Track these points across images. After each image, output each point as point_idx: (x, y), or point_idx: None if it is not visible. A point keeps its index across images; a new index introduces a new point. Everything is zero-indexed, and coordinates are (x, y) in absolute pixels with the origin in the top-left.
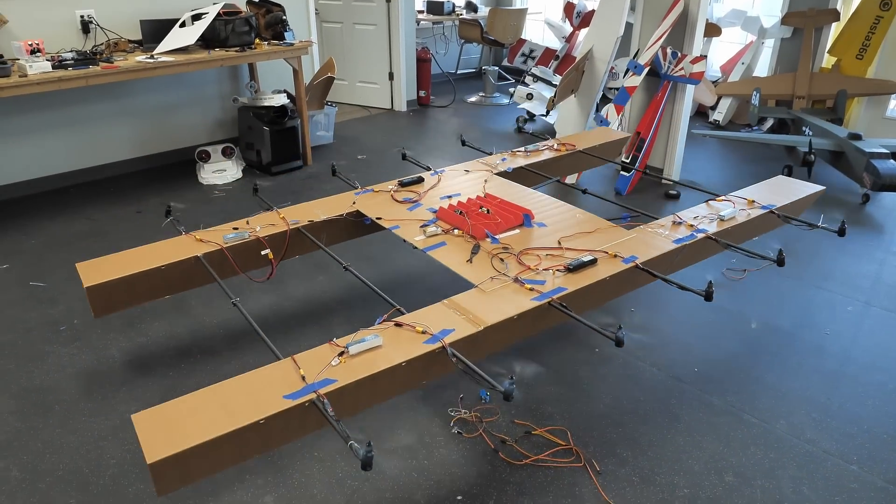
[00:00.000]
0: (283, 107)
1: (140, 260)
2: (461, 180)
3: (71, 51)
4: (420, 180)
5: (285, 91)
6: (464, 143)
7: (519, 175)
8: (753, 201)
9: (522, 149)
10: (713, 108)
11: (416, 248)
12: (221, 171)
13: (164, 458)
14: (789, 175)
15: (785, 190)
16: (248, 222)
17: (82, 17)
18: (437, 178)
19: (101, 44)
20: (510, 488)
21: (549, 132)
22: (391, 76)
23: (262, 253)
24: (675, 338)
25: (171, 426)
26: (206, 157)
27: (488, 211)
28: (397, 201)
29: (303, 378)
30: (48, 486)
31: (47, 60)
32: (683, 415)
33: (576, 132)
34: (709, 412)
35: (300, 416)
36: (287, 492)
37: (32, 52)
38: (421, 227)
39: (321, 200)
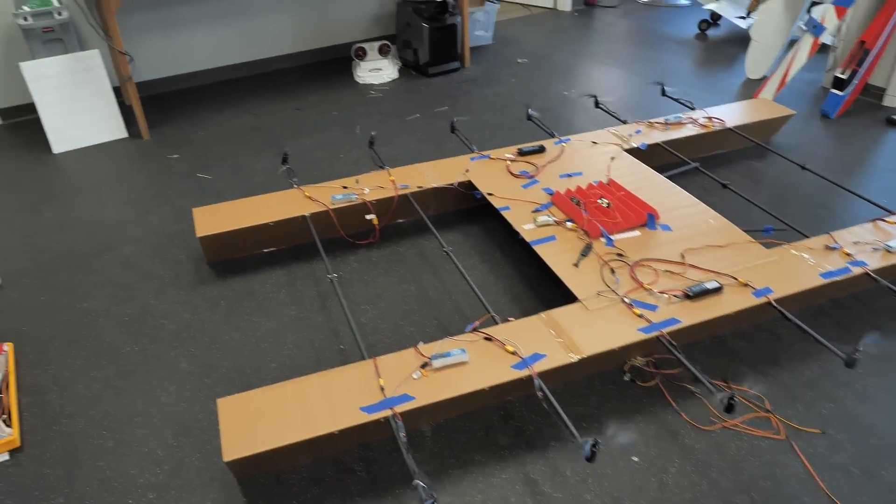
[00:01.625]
0: (443, 1)
1: (251, 213)
2: (586, 154)
3: None
4: (541, 150)
5: None
6: (597, 105)
7: (653, 154)
8: None
9: (662, 119)
10: None
11: (523, 238)
12: (377, 71)
13: (238, 459)
14: None
15: None
16: (357, 181)
17: None
18: (560, 148)
19: None
20: (695, 456)
21: (742, 38)
22: None
23: (367, 217)
24: None
25: (249, 423)
26: (362, 55)
27: (608, 204)
28: (513, 175)
29: (381, 389)
30: (213, 381)
31: None
32: None
33: (775, 40)
34: None
35: (375, 427)
36: None
37: None
38: (533, 211)
39: (434, 163)
